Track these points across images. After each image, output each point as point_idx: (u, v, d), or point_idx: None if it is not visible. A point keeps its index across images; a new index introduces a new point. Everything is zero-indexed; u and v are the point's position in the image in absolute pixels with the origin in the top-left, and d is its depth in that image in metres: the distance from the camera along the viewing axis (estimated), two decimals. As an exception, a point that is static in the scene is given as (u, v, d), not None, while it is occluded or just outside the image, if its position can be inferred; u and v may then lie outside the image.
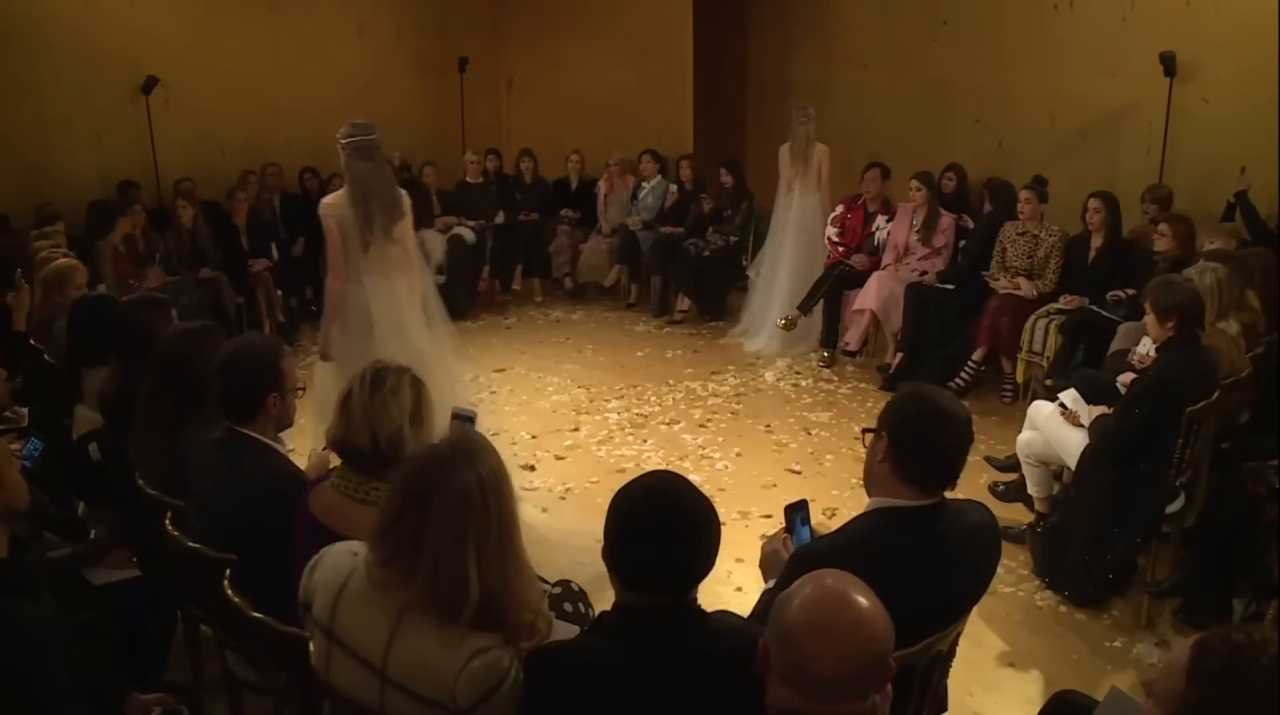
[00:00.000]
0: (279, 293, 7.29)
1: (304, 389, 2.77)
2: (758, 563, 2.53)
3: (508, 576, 1.75)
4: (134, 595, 2.93)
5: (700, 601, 1.81)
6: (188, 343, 2.96)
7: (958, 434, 2.11)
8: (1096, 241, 5.59)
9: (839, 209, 7.01)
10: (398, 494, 1.79)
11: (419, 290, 4.16)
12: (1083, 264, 5.65)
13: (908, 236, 6.46)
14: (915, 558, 2.07)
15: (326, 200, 4.06)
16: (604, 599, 1.89)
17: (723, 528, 1.84)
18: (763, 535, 2.67)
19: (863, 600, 1.50)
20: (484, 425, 5.52)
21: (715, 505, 1.87)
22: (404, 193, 4.19)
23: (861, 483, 2.28)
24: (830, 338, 6.73)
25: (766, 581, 2.42)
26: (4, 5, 6.92)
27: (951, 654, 2.27)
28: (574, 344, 7.20)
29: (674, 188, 8.15)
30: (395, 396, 2.25)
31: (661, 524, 1.74)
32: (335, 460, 2.40)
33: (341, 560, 1.88)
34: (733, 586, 3.78)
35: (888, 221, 6.69)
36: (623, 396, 6.08)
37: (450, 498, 1.72)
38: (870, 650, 1.47)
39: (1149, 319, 3.69)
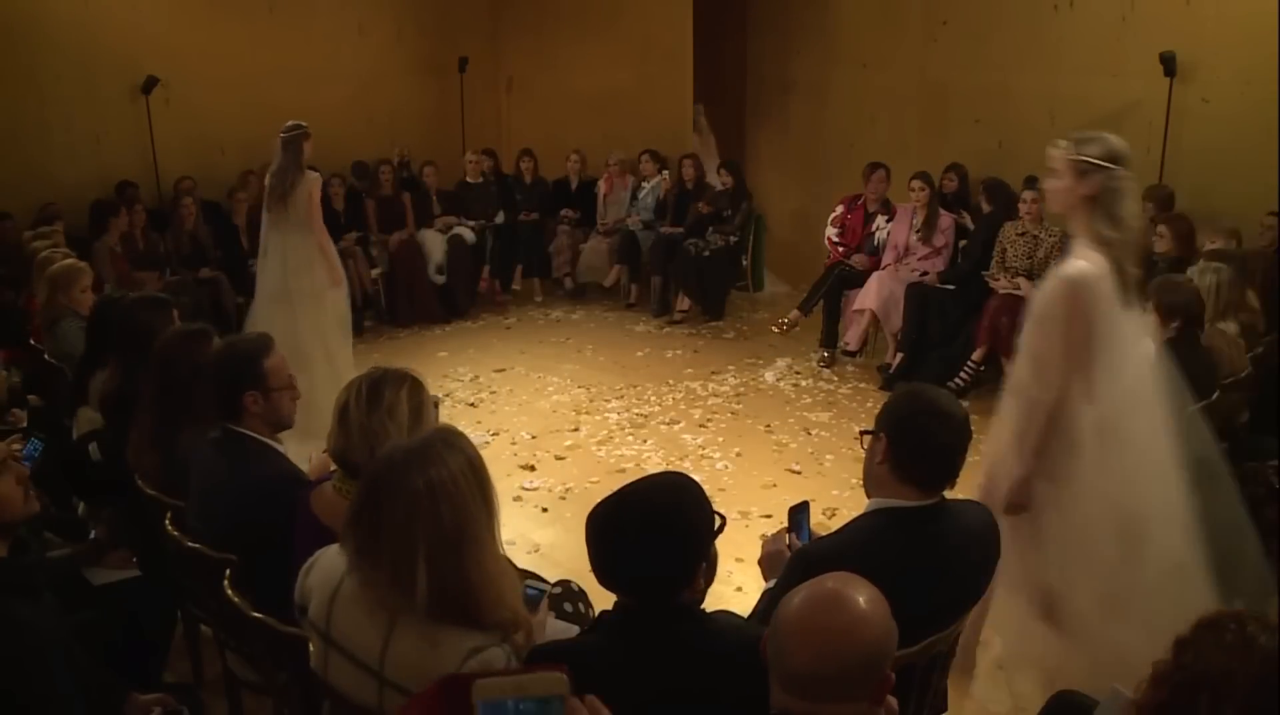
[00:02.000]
0: (279, 292, 7.29)
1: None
2: (757, 562, 2.53)
3: (467, 576, 1.74)
4: (134, 595, 2.92)
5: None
6: (181, 345, 2.96)
7: (956, 433, 2.11)
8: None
9: (839, 209, 7.02)
10: (357, 496, 1.82)
11: (310, 246, 5.35)
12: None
13: (908, 236, 6.46)
14: (915, 558, 2.07)
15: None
16: (604, 599, 1.89)
17: (713, 525, 1.84)
18: (763, 535, 2.67)
19: (860, 605, 1.48)
20: (484, 425, 5.56)
21: (715, 505, 1.87)
22: (314, 175, 5.40)
23: (861, 483, 2.28)
24: (830, 338, 6.73)
25: (767, 581, 2.42)
26: (4, 5, 6.91)
27: (951, 654, 2.27)
28: (574, 344, 7.20)
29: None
30: (392, 416, 2.23)
31: (625, 531, 1.77)
32: None
33: (335, 563, 1.88)
34: (733, 586, 3.78)
35: (888, 221, 6.70)
36: (623, 396, 6.08)
37: (398, 501, 1.74)
38: (851, 654, 1.45)
39: (1154, 313, 3.68)
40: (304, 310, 5.28)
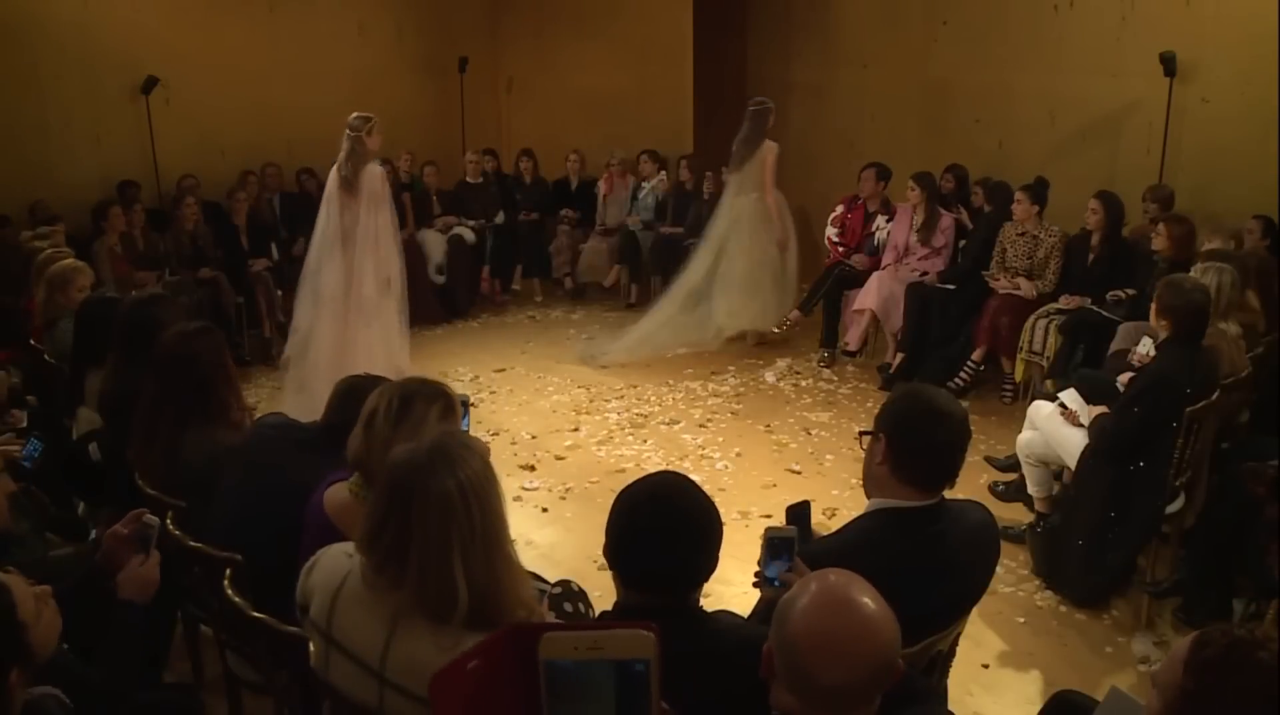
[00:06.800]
0: (279, 293, 7.29)
1: None
2: (757, 561, 2.52)
3: (497, 577, 1.73)
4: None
5: (701, 601, 1.81)
6: (187, 344, 2.94)
7: (955, 432, 2.11)
8: (1096, 241, 5.59)
9: (839, 209, 7.02)
10: (381, 501, 1.78)
11: (763, 204, 6.61)
12: (1083, 264, 5.65)
13: (908, 236, 6.46)
14: (915, 558, 2.07)
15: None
16: (604, 599, 1.89)
17: (723, 528, 1.84)
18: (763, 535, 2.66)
19: (867, 603, 1.45)
20: (484, 425, 5.55)
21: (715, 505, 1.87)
22: (771, 144, 6.46)
23: (861, 483, 2.28)
24: (830, 338, 6.73)
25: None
26: (4, 5, 6.91)
27: (951, 654, 2.28)
28: (574, 344, 7.20)
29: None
30: (419, 432, 2.13)
31: (662, 526, 1.75)
32: None
33: (337, 562, 1.87)
34: (732, 586, 3.77)
35: (888, 221, 6.70)
36: (623, 396, 6.08)
37: (431, 503, 1.70)
38: (877, 657, 1.43)
39: (1154, 308, 3.69)
40: (741, 249, 6.60)
